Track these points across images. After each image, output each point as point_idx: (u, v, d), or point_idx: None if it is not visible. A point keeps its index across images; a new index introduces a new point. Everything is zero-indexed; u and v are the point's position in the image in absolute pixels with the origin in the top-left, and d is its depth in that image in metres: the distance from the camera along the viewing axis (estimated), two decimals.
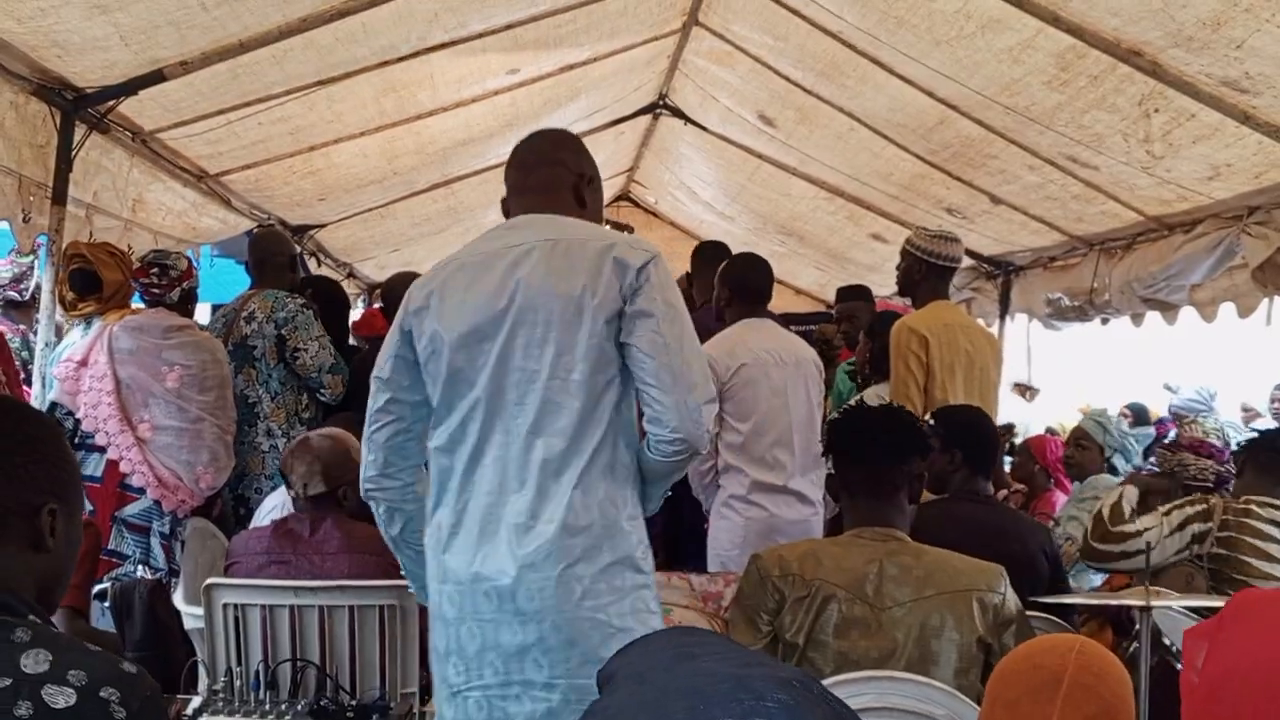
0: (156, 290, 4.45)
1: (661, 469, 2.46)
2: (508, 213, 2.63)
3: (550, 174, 2.57)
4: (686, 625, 2.48)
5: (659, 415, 2.37)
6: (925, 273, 4.75)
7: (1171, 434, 7.49)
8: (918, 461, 2.95)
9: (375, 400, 2.51)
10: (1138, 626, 2.65)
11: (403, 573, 2.70)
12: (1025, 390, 9.04)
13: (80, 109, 4.44)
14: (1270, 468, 3.76)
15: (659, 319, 2.34)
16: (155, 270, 4.45)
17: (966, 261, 7.59)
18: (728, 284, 4.77)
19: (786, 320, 5.79)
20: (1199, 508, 3.66)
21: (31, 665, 1.50)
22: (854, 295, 6.58)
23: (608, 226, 2.90)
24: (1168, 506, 3.75)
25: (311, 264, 8.23)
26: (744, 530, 4.44)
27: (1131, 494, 3.91)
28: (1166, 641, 2.79)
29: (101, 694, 1.51)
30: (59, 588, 1.73)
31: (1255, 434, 3.93)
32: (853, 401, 4.85)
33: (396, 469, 2.50)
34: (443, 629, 2.40)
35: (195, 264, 5.13)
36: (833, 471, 3.04)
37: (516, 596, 2.27)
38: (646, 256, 2.38)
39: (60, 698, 1.48)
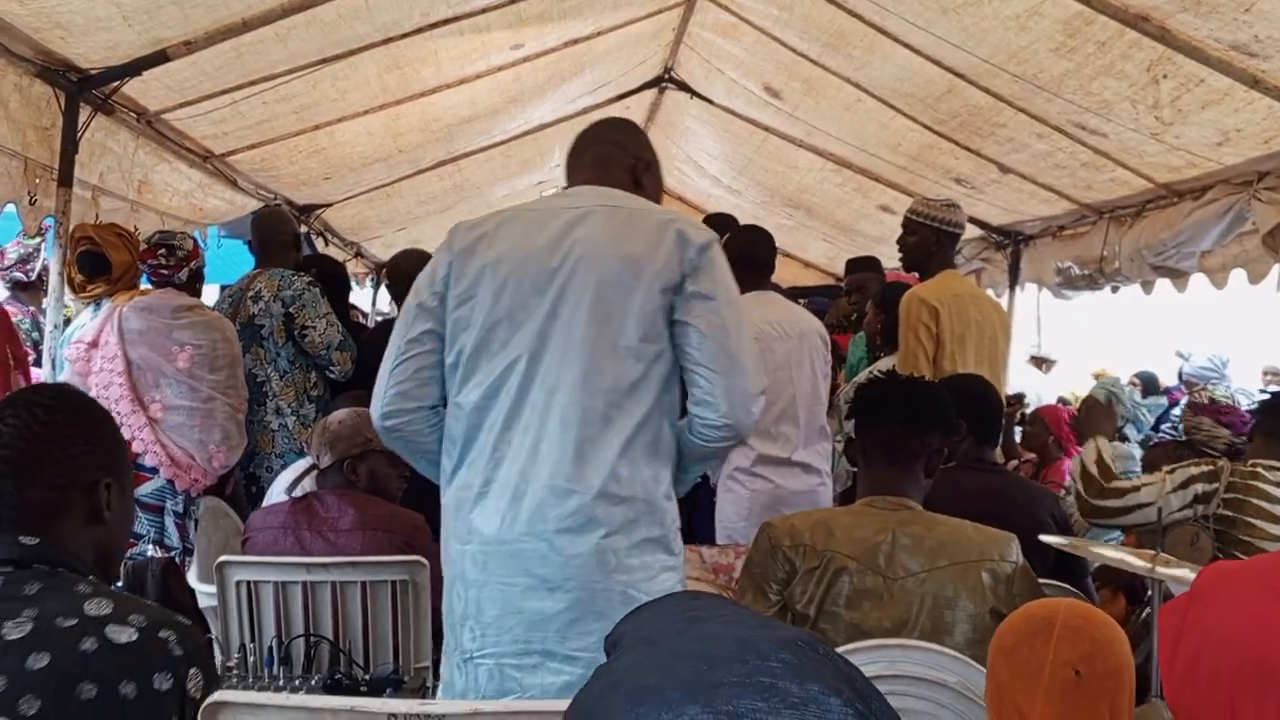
0: (165, 271, 4.46)
1: (702, 452, 2.42)
2: None
3: (604, 152, 2.57)
4: (694, 590, 2.46)
5: (709, 398, 2.32)
6: (940, 241, 4.74)
7: (1182, 402, 7.49)
8: (939, 437, 2.94)
9: (412, 329, 2.41)
10: (1150, 592, 2.65)
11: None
12: (1041, 362, 9.03)
13: (84, 90, 4.43)
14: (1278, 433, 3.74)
15: (720, 302, 2.32)
16: (163, 251, 4.46)
17: (976, 232, 7.60)
18: (731, 255, 4.75)
19: (795, 294, 5.79)
20: (1204, 468, 3.65)
21: (94, 610, 1.63)
22: (864, 266, 6.59)
23: None
24: (1171, 466, 3.74)
25: (319, 244, 8.25)
26: (749, 502, 4.45)
27: (1104, 444, 3.88)
28: None
29: (160, 634, 1.64)
30: (115, 555, 1.89)
31: (1266, 396, 3.89)
32: (864, 373, 4.85)
33: (417, 398, 2.41)
34: (463, 591, 2.32)
35: (201, 244, 5.13)
36: (854, 436, 3.04)
37: (549, 561, 2.20)
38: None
39: (123, 635, 1.61)
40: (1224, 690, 1.56)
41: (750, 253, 4.71)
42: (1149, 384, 8.83)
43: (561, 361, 2.26)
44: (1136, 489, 3.66)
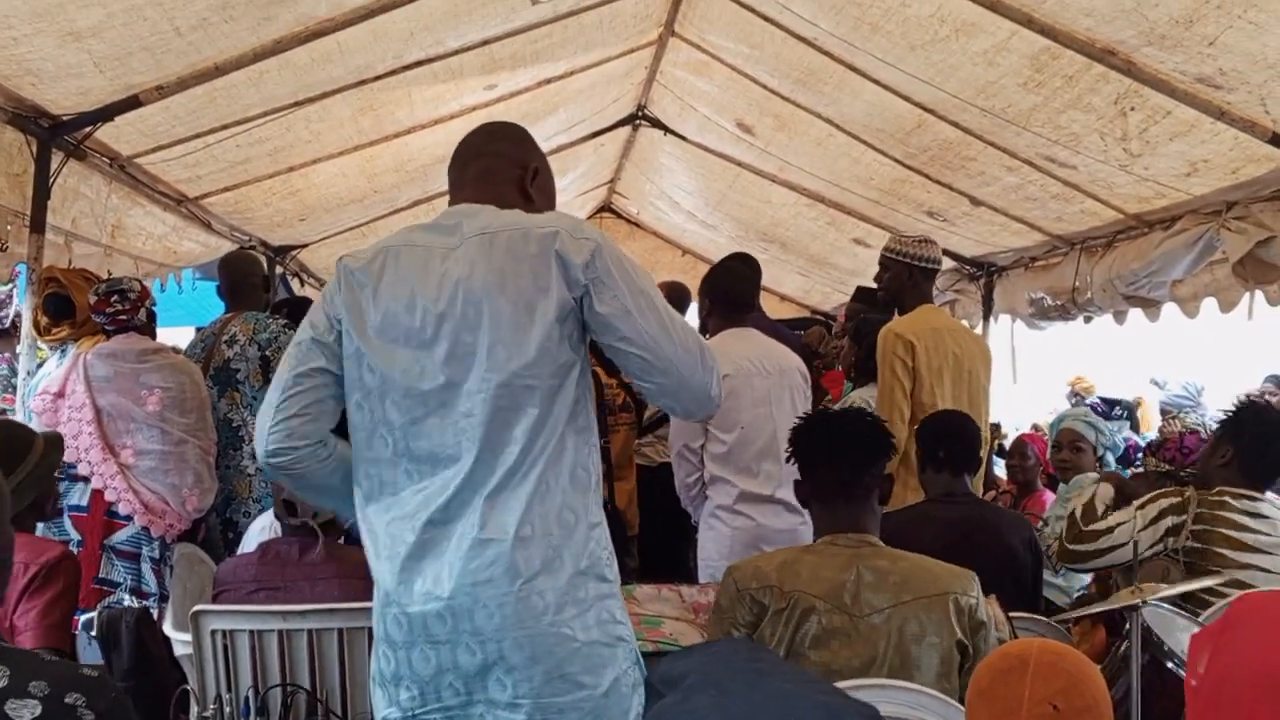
0: (123, 317, 4.41)
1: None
2: None
3: (486, 165, 2.41)
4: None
5: (670, 406, 2.36)
6: (912, 277, 4.75)
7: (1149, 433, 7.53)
8: (886, 462, 2.96)
9: (297, 365, 2.32)
10: (1129, 625, 2.65)
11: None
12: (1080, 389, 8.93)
13: (56, 136, 4.43)
14: (1256, 470, 3.73)
15: (633, 313, 2.20)
16: (115, 297, 4.40)
17: (949, 264, 7.64)
18: (707, 295, 4.77)
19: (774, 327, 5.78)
20: (1173, 500, 3.64)
21: None
22: (861, 297, 6.42)
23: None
24: (1142, 500, 3.74)
25: (294, 284, 8.24)
26: (731, 540, 4.43)
27: (1106, 492, 3.91)
28: (1157, 639, 2.79)
29: (67, 700, 1.51)
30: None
31: (1241, 417, 3.85)
32: (836, 406, 4.86)
33: (305, 435, 2.31)
34: (390, 653, 2.23)
35: (157, 288, 5.08)
36: (800, 479, 3.02)
37: (474, 616, 2.13)
38: (590, 247, 2.20)
39: (25, 710, 1.48)
40: (1247, 709, 1.57)
41: (723, 291, 4.71)
42: (1110, 405, 8.79)
43: (467, 412, 2.18)
44: (1111, 530, 3.67)
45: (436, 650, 2.17)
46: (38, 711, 1.48)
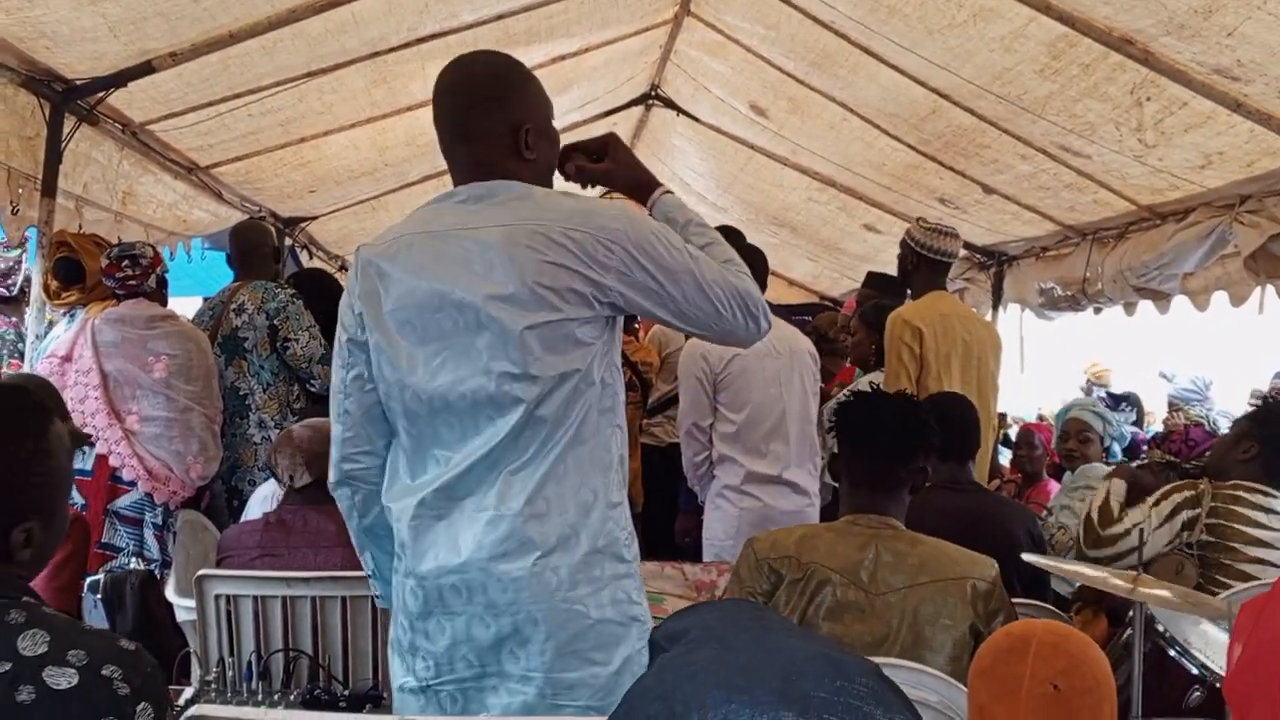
0: (133, 282, 4.42)
1: None
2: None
3: (478, 151, 2.27)
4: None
5: (727, 344, 2.41)
6: (917, 264, 4.78)
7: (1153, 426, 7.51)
8: (924, 458, 2.96)
9: (347, 369, 2.31)
10: (1130, 613, 2.65)
11: (369, 574, 2.50)
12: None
13: (69, 101, 4.43)
14: (1278, 468, 3.73)
15: (665, 292, 2.18)
16: (126, 262, 4.41)
17: (960, 252, 7.61)
18: None
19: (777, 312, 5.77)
20: (1187, 494, 3.64)
21: (30, 648, 1.51)
22: (872, 283, 6.35)
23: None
24: (1156, 495, 3.73)
25: (303, 256, 8.24)
26: (738, 520, 4.45)
27: (1119, 488, 3.90)
28: (1160, 628, 2.79)
29: (104, 672, 1.52)
30: (45, 562, 1.74)
31: (1270, 415, 3.85)
32: (849, 389, 4.86)
33: (373, 442, 2.32)
34: (406, 623, 2.25)
35: (167, 255, 5.09)
36: (836, 453, 3.03)
37: (488, 589, 2.13)
38: (616, 234, 2.15)
39: (62, 679, 1.49)
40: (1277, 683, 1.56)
41: None
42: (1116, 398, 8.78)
43: (484, 390, 2.15)
44: (1128, 532, 3.65)
45: (451, 622, 2.18)
46: (75, 681, 1.49)
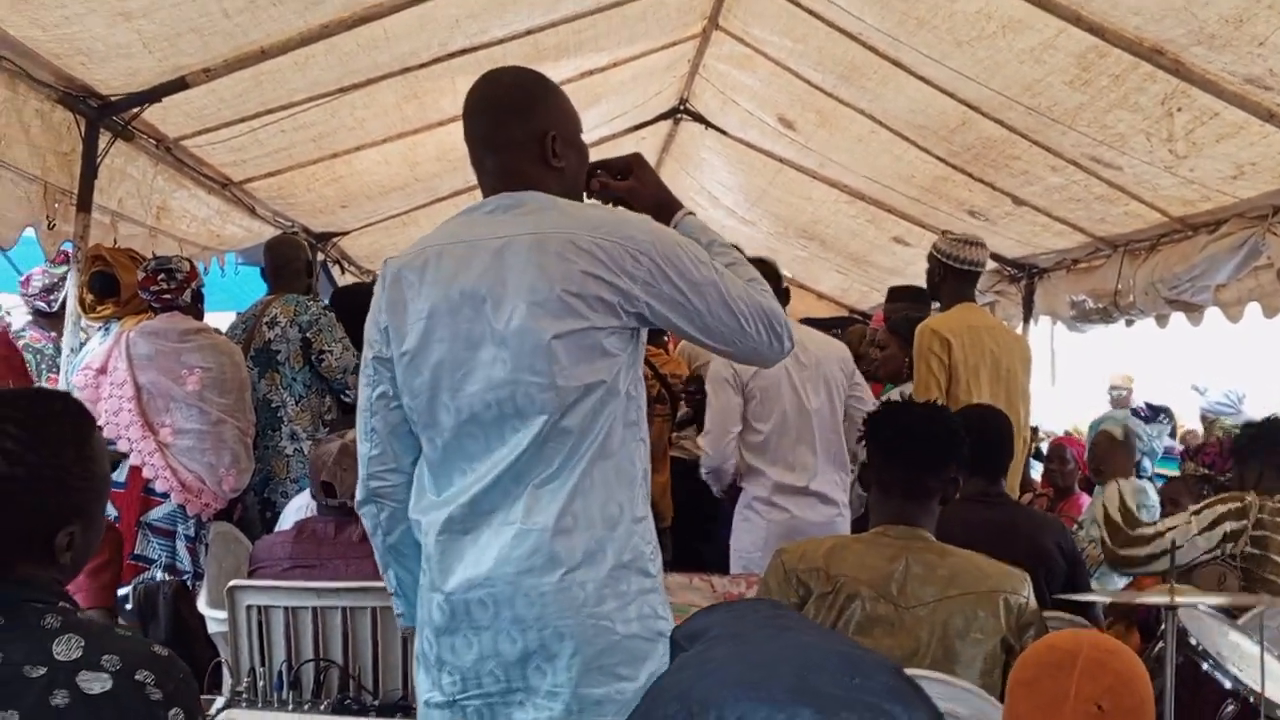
0: (168, 295, 4.47)
1: None
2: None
3: (505, 161, 2.29)
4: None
5: (751, 362, 2.39)
6: (945, 276, 4.78)
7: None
8: (957, 469, 2.94)
9: (372, 387, 2.33)
10: (1163, 626, 2.63)
11: (391, 592, 2.49)
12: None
13: (105, 116, 4.48)
14: None
15: (691, 305, 2.18)
16: (162, 276, 4.47)
17: (990, 264, 7.58)
18: None
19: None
20: (1232, 505, 3.61)
21: (64, 652, 1.52)
22: (898, 297, 6.30)
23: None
24: (1199, 505, 3.70)
25: (335, 271, 8.29)
26: (766, 532, 4.45)
27: (1126, 487, 3.87)
28: (1192, 641, 2.77)
29: (137, 677, 1.53)
30: (85, 561, 1.75)
31: (1253, 430, 3.86)
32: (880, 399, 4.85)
33: (399, 460, 2.34)
34: (433, 638, 2.25)
35: (201, 269, 5.15)
36: (867, 463, 3.03)
37: (515, 604, 2.12)
38: (642, 248, 2.15)
39: (96, 684, 1.50)
40: None
41: None
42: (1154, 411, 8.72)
43: (510, 402, 2.15)
44: (1161, 534, 3.63)
45: (479, 636, 2.17)
46: (108, 685, 1.50)
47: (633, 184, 2.45)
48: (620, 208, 2.37)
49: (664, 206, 2.42)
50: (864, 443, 3.06)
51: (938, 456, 2.90)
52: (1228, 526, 3.56)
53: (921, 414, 3.05)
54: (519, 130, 2.29)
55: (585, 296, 2.12)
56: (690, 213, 2.45)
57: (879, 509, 2.93)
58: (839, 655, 0.94)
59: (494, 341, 2.16)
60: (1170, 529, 3.62)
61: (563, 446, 2.14)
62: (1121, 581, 4.77)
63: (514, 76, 2.39)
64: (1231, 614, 3.12)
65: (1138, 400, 8.76)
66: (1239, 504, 3.60)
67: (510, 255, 2.16)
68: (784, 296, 4.79)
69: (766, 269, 5.15)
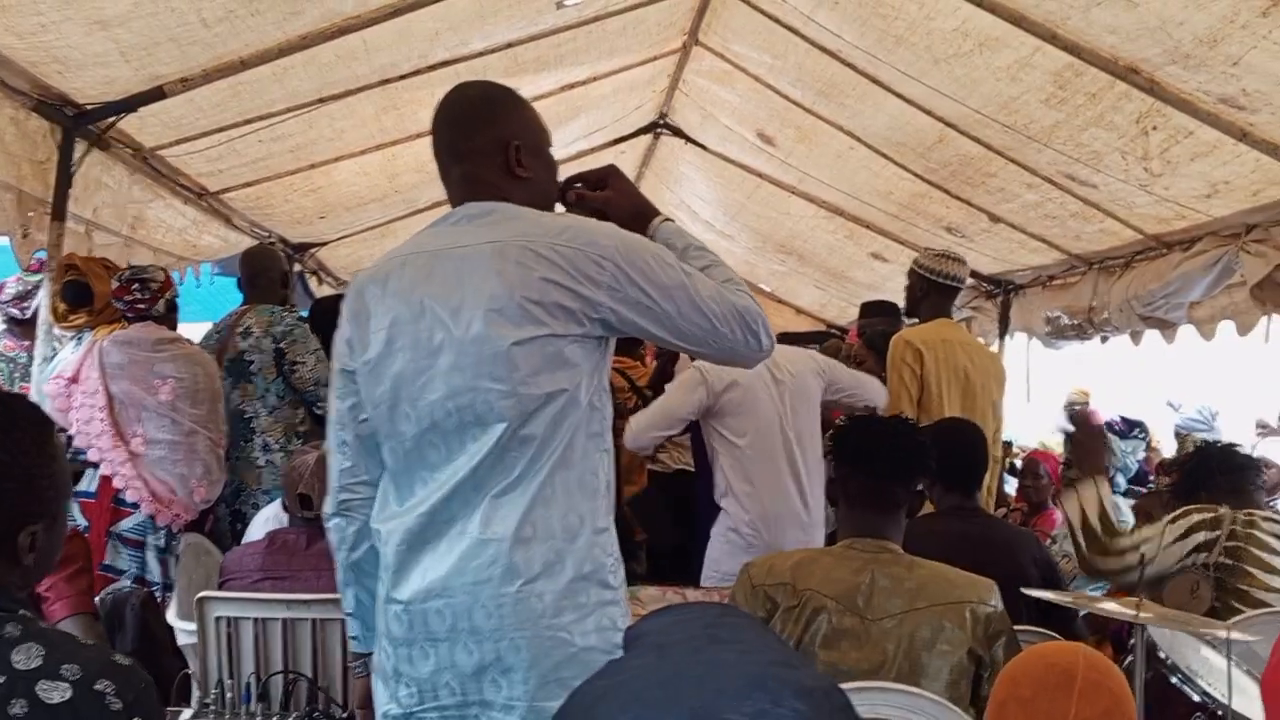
0: (142, 305, 4.45)
1: None
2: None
3: (470, 170, 2.30)
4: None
5: (729, 363, 2.38)
6: (927, 290, 4.84)
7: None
8: (921, 480, 2.96)
9: (343, 400, 2.33)
10: (1133, 640, 2.64)
11: (349, 613, 2.46)
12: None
13: (80, 125, 4.45)
14: (1238, 485, 3.77)
15: (658, 309, 2.17)
16: (136, 286, 4.45)
17: (967, 281, 7.61)
18: None
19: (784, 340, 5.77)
20: (1206, 515, 3.63)
21: (24, 661, 1.51)
22: (870, 311, 6.38)
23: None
24: (1173, 514, 3.72)
25: (312, 283, 8.26)
26: (745, 554, 4.43)
27: (1106, 490, 3.89)
28: (1162, 655, 2.77)
29: (97, 686, 1.51)
30: (47, 566, 1.75)
31: (1181, 476, 3.94)
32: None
33: (370, 473, 2.33)
34: (390, 649, 2.23)
35: (176, 278, 5.13)
36: (834, 477, 3.04)
37: (472, 615, 2.12)
38: (606, 253, 2.15)
39: (55, 693, 1.48)
40: None
41: None
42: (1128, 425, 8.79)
43: (469, 412, 2.15)
44: (1136, 546, 3.64)
45: (435, 647, 2.16)
46: (68, 695, 1.49)
47: (609, 195, 2.45)
48: (590, 218, 2.35)
49: (641, 215, 2.42)
50: (829, 455, 3.07)
51: (902, 467, 2.91)
52: (1200, 536, 3.58)
53: (886, 427, 3.07)
54: (483, 139, 2.30)
55: (545, 304, 2.11)
56: (668, 219, 2.45)
57: (846, 522, 2.94)
58: (747, 677, 0.91)
59: (454, 349, 2.15)
60: (1145, 539, 3.63)
61: (523, 455, 2.13)
62: (1096, 594, 4.79)
63: (480, 88, 2.42)
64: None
65: (1110, 415, 8.80)
66: (1212, 514, 3.63)
67: (470, 263, 2.16)
68: None
69: None
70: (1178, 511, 3.74)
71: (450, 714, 2.18)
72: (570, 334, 2.14)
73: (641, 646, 1.02)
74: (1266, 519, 3.59)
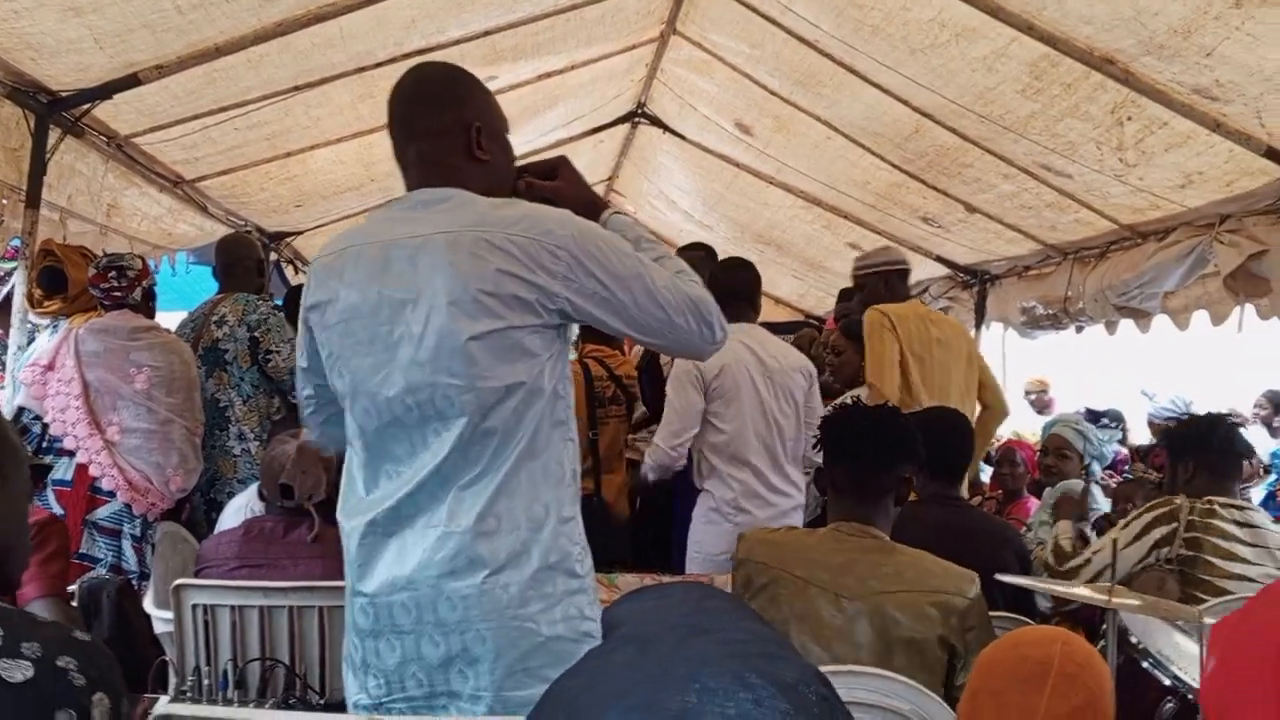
0: (118, 293, 4.43)
1: None
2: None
3: (428, 148, 2.28)
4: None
5: (682, 355, 2.37)
6: (885, 282, 5.00)
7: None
8: (907, 468, 2.98)
9: (301, 388, 2.43)
10: (1104, 625, 2.67)
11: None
12: None
13: (54, 112, 4.43)
14: (1222, 469, 3.80)
15: (614, 299, 2.16)
16: (113, 273, 4.42)
17: (942, 270, 7.67)
18: (716, 288, 4.80)
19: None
20: (1160, 511, 3.67)
21: None
22: (848, 297, 6.39)
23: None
24: (1128, 517, 3.77)
25: (288, 271, 8.24)
26: (732, 537, 4.45)
27: (1065, 529, 3.98)
28: (1133, 640, 2.81)
29: (59, 663, 1.50)
30: (9, 558, 1.74)
31: (1185, 427, 3.96)
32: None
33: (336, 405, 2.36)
34: (358, 641, 2.24)
35: (153, 266, 5.11)
36: (822, 466, 3.07)
37: (438, 607, 2.12)
38: (561, 242, 2.12)
39: (17, 671, 1.47)
40: (1258, 695, 1.54)
41: (731, 287, 4.71)
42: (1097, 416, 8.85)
43: (429, 404, 2.15)
44: (1089, 561, 3.71)
45: (401, 640, 2.16)
46: (30, 673, 1.47)
47: (558, 185, 2.43)
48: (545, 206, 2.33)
49: (590, 206, 2.40)
50: (819, 447, 3.09)
51: (888, 453, 2.93)
52: (1158, 533, 3.62)
53: (873, 414, 3.09)
54: (444, 119, 2.28)
55: (501, 295, 2.10)
56: (618, 210, 2.45)
57: (834, 508, 2.96)
58: (733, 675, 0.91)
59: (410, 344, 2.14)
60: (1095, 553, 3.70)
61: (487, 448, 2.12)
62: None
63: (443, 69, 2.42)
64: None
65: (1077, 406, 8.86)
66: (1167, 508, 3.66)
67: (425, 256, 2.14)
68: (755, 287, 4.85)
69: (708, 251, 5.25)
70: (1131, 514, 3.79)
71: (418, 705, 2.18)
72: (527, 324, 2.13)
73: (621, 638, 1.02)
74: (1226, 505, 3.61)
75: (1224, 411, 5.05)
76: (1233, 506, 3.60)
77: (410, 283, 2.15)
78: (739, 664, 0.92)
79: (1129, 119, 4.45)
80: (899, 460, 2.95)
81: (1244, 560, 3.49)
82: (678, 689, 0.88)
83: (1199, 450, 3.82)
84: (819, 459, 3.14)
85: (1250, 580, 3.43)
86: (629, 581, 3.46)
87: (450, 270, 2.10)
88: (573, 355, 6.26)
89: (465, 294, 2.09)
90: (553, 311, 2.15)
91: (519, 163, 2.45)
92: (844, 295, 6.45)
